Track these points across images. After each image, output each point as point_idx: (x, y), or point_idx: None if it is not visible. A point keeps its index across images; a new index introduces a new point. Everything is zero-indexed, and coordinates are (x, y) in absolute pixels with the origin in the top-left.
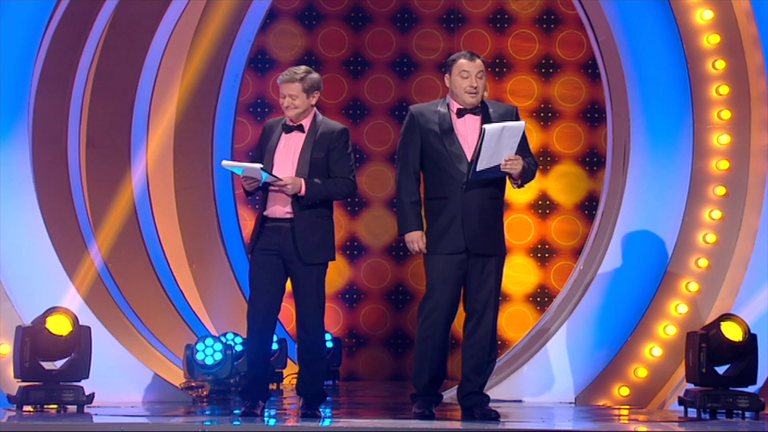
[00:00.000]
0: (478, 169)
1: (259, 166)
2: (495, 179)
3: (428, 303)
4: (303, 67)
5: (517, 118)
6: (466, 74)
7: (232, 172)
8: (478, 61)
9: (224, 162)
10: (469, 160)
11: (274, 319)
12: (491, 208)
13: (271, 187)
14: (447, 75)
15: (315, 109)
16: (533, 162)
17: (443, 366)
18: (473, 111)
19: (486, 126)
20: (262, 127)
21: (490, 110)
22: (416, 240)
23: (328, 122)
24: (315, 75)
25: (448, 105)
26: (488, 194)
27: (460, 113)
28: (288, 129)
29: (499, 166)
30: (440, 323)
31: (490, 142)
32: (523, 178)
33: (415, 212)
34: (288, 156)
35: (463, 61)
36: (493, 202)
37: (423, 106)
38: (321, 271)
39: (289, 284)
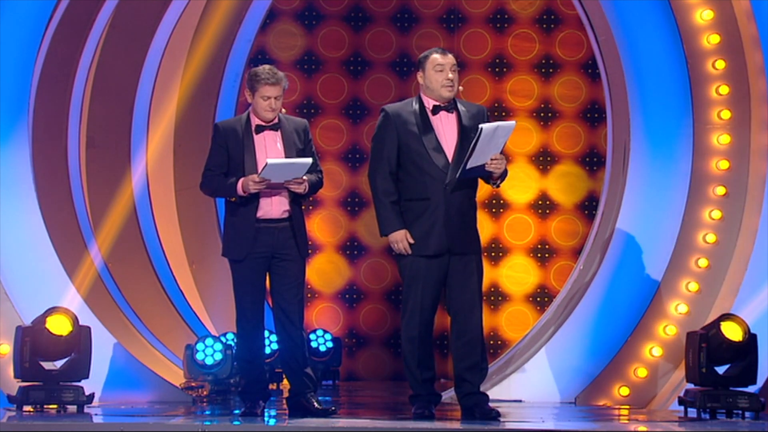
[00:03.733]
0: (467, 167)
1: (308, 160)
2: (472, 178)
3: (411, 304)
4: (270, 66)
5: (488, 120)
6: (441, 68)
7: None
8: (450, 56)
9: (270, 160)
10: (449, 159)
11: (263, 323)
12: (470, 208)
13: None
14: (420, 72)
15: None
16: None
17: (431, 365)
18: (447, 109)
19: (483, 125)
20: (215, 129)
21: (462, 108)
22: (401, 239)
23: (288, 117)
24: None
25: (421, 103)
26: (467, 194)
27: (435, 110)
28: (259, 129)
29: (483, 165)
30: (425, 324)
31: (484, 141)
32: (501, 178)
33: (396, 211)
34: (271, 155)
35: (436, 56)
36: (471, 201)
37: (398, 106)
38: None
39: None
